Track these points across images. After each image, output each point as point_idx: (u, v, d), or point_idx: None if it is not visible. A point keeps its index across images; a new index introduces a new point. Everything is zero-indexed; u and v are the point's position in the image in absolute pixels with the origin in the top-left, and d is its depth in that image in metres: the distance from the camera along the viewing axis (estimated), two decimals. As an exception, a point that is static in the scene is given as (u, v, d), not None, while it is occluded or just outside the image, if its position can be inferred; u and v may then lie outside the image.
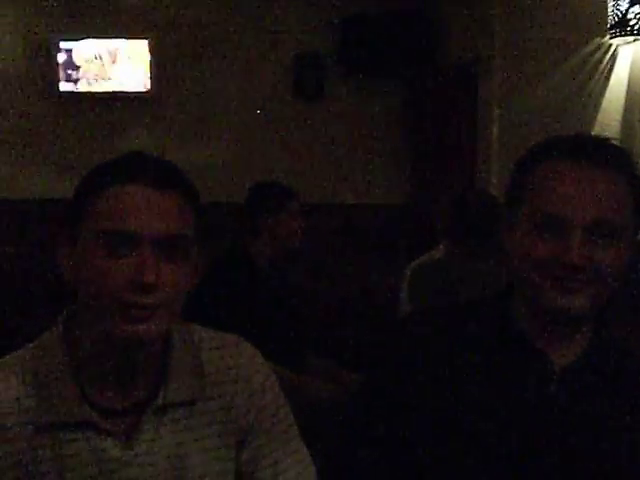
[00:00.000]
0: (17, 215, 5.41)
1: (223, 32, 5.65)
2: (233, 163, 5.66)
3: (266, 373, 1.22)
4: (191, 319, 1.22)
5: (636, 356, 1.22)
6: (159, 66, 5.58)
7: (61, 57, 5.50)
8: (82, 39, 5.51)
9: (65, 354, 1.11)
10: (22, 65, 5.52)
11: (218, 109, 5.70)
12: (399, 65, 5.54)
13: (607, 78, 3.69)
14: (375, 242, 5.64)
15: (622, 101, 3.60)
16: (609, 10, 3.51)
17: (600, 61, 3.72)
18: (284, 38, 5.71)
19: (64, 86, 5.55)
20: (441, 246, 2.99)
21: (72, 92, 5.57)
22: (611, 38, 3.57)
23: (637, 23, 3.41)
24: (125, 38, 5.55)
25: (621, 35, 3.49)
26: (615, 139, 1.21)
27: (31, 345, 1.14)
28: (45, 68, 5.51)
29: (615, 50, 3.63)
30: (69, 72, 5.53)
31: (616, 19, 3.47)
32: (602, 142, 1.19)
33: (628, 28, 3.43)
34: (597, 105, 3.75)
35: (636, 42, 3.49)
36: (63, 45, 5.50)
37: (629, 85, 3.57)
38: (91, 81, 5.58)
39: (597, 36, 3.71)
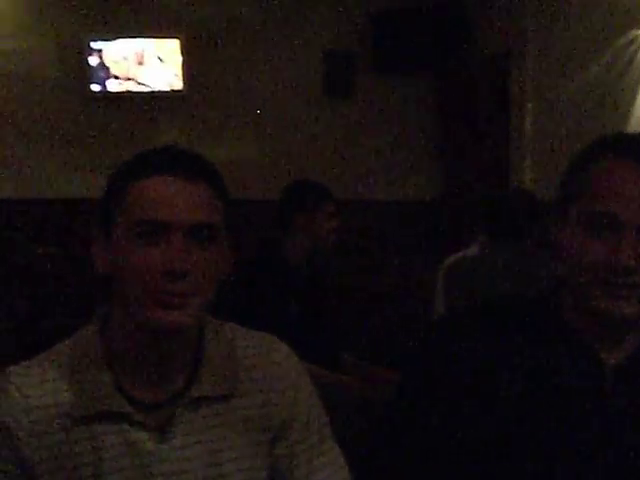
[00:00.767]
0: (49, 215, 5.49)
1: (253, 30, 5.67)
2: (264, 160, 5.68)
3: (300, 371, 1.23)
4: (225, 318, 1.23)
5: None
6: (190, 65, 5.61)
7: (92, 58, 5.56)
8: (113, 39, 5.56)
9: (100, 348, 1.13)
10: (54, 66, 5.58)
11: (249, 107, 5.71)
12: (430, 61, 5.51)
13: (642, 71, 3.63)
14: (407, 238, 5.62)
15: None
16: (644, 1, 3.47)
17: (635, 54, 3.66)
18: (314, 35, 5.71)
19: (95, 86, 5.60)
20: (477, 242, 2.97)
21: (103, 92, 5.62)
22: (646, 30, 3.52)
23: (673, 14, 3.36)
24: (156, 38, 5.59)
25: (657, 27, 3.44)
26: None
27: (68, 340, 1.17)
28: (77, 69, 5.56)
29: (651, 42, 3.58)
30: (100, 73, 5.58)
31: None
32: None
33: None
34: (632, 99, 3.69)
35: (672, 34, 3.43)
36: (94, 45, 5.55)
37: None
38: (122, 81, 5.63)
39: (631, 28, 3.66)
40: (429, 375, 1.23)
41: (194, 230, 1.07)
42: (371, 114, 5.80)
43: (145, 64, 5.62)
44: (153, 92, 5.65)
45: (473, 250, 2.97)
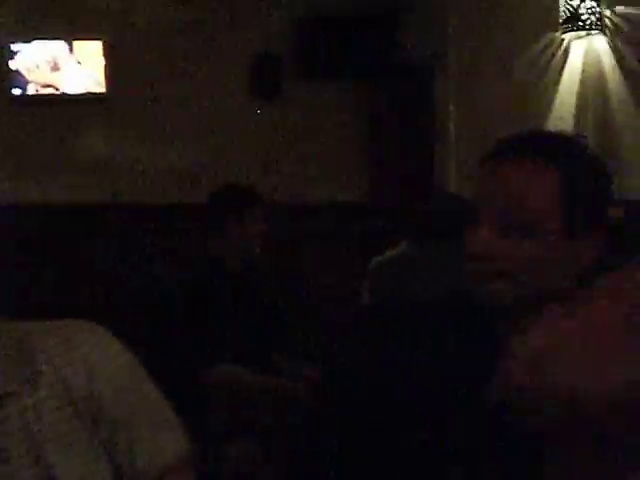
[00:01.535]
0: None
1: (179, 32, 5.61)
2: (190, 164, 5.61)
3: (106, 351, 1.22)
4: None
5: None
6: (113, 68, 5.52)
7: (11, 60, 5.42)
8: (33, 41, 5.44)
9: None
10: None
11: (175, 110, 5.65)
12: (356, 66, 5.56)
13: (560, 73, 3.73)
14: (336, 241, 5.64)
15: (575, 95, 3.65)
16: (561, 5, 3.56)
17: (553, 56, 3.76)
18: (242, 39, 5.68)
19: (15, 90, 5.47)
20: (403, 243, 3.02)
21: (23, 95, 5.49)
22: (563, 33, 3.61)
23: (588, 18, 3.45)
24: (78, 39, 5.48)
25: (573, 30, 3.53)
26: (569, 133, 1.23)
27: None
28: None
29: (568, 45, 3.67)
30: (19, 75, 5.45)
31: (568, 14, 3.51)
32: (528, 136, 1.21)
33: (580, 23, 3.47)
34: (551, 100, 3.79)
35: (588, 37, 3.53)
36: (14, 47, 5.42)
37: (581, 80, 3.61)
38: (39, 87, 5.50)
39: (549, 31, 3.75)
40: (343, 375, 1.24)
41: None
42: (299, 118, 5.80)
43: (67, 66, 5.50)
44: (74, 95, 5.53)
45: (397, 251, 3.02)
